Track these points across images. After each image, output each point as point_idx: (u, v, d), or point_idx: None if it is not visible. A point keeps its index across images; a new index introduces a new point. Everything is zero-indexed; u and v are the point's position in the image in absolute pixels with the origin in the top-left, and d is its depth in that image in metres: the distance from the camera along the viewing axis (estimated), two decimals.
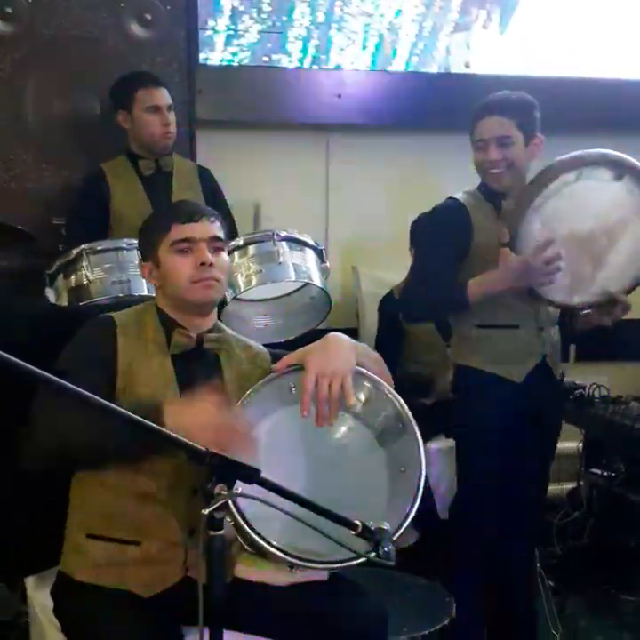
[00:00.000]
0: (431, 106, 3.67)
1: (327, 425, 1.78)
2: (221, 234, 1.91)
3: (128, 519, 1.79)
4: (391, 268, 3.49)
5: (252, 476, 1.37)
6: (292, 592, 1.85)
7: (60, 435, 1.65)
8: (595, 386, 3.48)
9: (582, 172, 2.35)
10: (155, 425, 1.33)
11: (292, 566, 1.76)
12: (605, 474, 3.38)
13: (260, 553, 1.76)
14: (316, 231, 3.71)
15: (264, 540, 1.70)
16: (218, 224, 1.91)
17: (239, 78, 3.60)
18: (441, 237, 2.55)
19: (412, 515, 1.73)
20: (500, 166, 2.47)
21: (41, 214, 3.19)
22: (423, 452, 1.78)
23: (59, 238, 3.08)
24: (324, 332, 2.90)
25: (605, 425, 3.36)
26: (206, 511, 1.31)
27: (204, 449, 1.32)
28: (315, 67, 3.69)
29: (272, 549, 1.70)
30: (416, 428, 1.78)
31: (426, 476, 3.03)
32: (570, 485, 3.62)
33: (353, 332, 3.76)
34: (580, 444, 3.55)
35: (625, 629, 2.97)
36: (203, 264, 1.83)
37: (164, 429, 1.36)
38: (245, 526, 1.70)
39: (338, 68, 3.71)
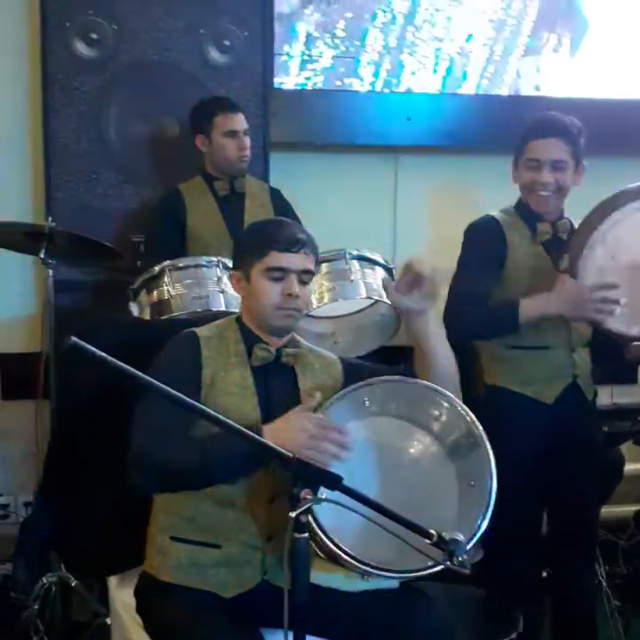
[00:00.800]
0: (500, 128, 3.70)
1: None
2: (313, 267, 2.00)
3: (210, 523, 1.89)
4: None
5: (335, 482, 1.44)
6: (362, 599, 1.92)
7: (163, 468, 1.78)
8: None
9: None
10: (255, 435, 1.43)
11: (363, 574, 1.83)
12: None
13: (333, 559, 1.83)
14: (384, 250, 3.79)
15: (338, 547, 1.77)
16: (312, 257, 1.99)
17: (312, 102, 3.70)
18: (478, 249, 2.58)
19: (483, 528, 1.78)
20: (550, 189, 2.50)
21: (121, 231, 3.32)
22: (494, 467, 1.83)
23: (136, 255, 3.21)
24: (393, 349, 3.00)
25: None
26: (293, 514, 1.39)
27: (291, 455, 1.40)
28: (386, 90, 3.77)
29: (345, 557, 1.77)
30: (487, 444, 1.84)
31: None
32: (637, 507, 3.61)
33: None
34: None
35: None
36: (290, 295, 1.92)
37: (261, 439, 1.45)
38: (320, 533, 1.77)
39: (408, 91, 3.79)
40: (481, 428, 1.86)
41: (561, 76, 3.87)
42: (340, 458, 1.72)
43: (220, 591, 1.88)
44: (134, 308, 2.62)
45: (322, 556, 1.86)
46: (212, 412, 1.48)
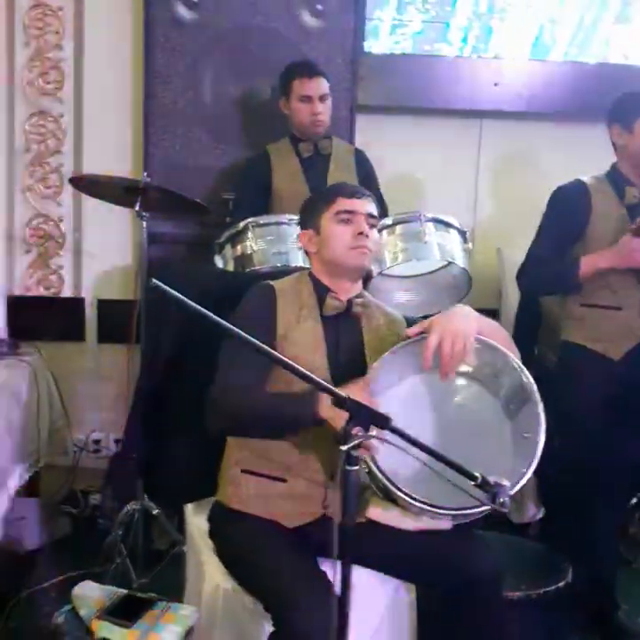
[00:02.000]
0: (588, 96, 3.73)
1: (448, 380, 1.97)
2: (376, 213, 2.17)
3: (278, 459, 2.05)
4: None
5: (384, 421, 1.59)
6: (417, 536, 2.04)
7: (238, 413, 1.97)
8: None
9: None
10: (309, 374, 1.59)
11: (417, 512, 1.97)
12: None
13: (391, 499, 1.98)
14: (464, 213, 3.87)
15: (395, 486, 1.91)
16: (374, 204, 2.17)
17: (399, 66, 3.78)
18: (559, 216, 2.72)
19: (528, 475, 1.89)
20: None
21: (213, 189, 3.49)
22: (544, 420, 1.93)
23: (227, 211, 3.37)
24: None
25: None
26: (344, 448, 1.54)
27: (344, 394, 1.55)
28: (474, 55, 3.82)
29: (401, 494, 1.91)
30: (538, 398, 1.95)
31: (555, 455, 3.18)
32: None
33: (494, 313, 3.90)
34: None
35: None
36: (360, 234, 2.09)
37: (315, 377, 1.61)
38: (378, 473, 1.91)
39: (497, 56, 3.82)
40: (534, 382, 1.96)
41: None
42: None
43: (284, 521, 2.05)
44: (219, 261, 2.80)
45: (380, 495, 2.01)
46: (285, 359, 1.62)
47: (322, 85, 3.22)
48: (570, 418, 2.74)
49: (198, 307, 1.52)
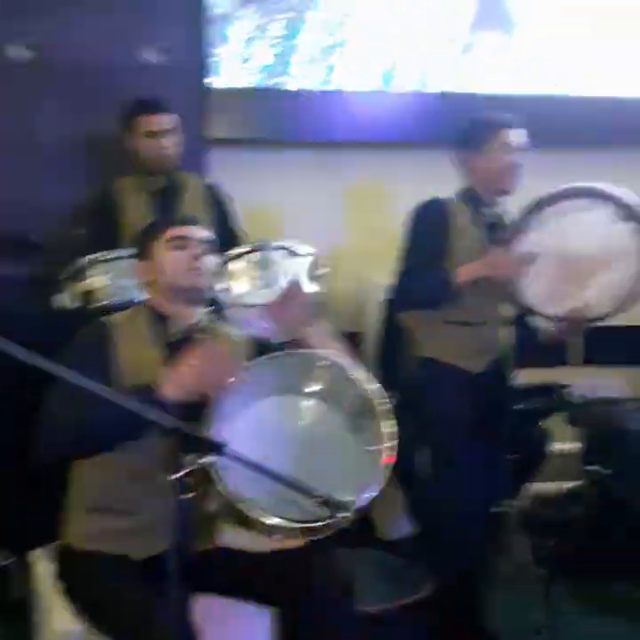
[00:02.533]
0: (438, 123, 3.84)
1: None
2: (210, 239, 2.20)
3: (121, 494, 2.01)
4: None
5: (218, 448, 1.56)
6: (269, 558, 2.05)
7: (70, 431, 1.90)
8: (593, 387, 3.62)
9: (593, 203, 2.62)
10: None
11: (270, 534, 1.95)
12: (601, 471, 3.50)
13: (243, 523, 1.94)
14: (325, 242, 3.91)
15: (247, 509, 1.88)
16: (207, 231, 2.21)
17: (249, 99, 3.83)
18: (422, 233, 2.77)
19: (377, 490, 1.89)
20: (519, 173, 2.75)
21: (58, 227, 3.38)
22: (389, 431, 1.96)
23: (77, 249, 3.29)
24: None
25: (601, 424, 3.51)
26: (174, 477, 1.51)
27: (174, 423, 1.52)
28: (322, 88, 3.89)
29: (252, 516, 1.88)
30: (386, 413, 1.97)
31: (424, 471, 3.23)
32: (571, 483, 3.75)
33: (358, 336, 3.95)
34: (580, 444, 3.69)
35: (609, 614, 3.10)
36: (196, 258, 2.11)
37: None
38: (231, 498, 1.88)
39: (343, 88, 3.91)
40: (377, 394, 1.98)
41: (494, 72, 4.02)
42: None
43: (132, 555, 2.01)
44: (62, 299, 2.73)
45: (231, 520, 1.97)
46: (113, 395, 1.56)
47: (167, 120, 3.20)
48: (434, 433, 2.81)
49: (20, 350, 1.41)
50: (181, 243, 2.13)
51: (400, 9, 3.90)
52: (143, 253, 2.19)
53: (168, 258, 2.13)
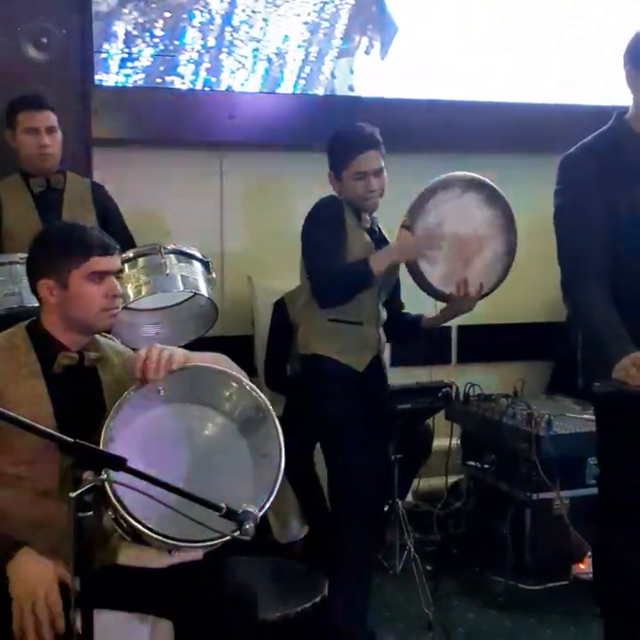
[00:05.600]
0: (318, 126, 3.88)
1: (153, 383, 1.95)
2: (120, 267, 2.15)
3: (25, 515, 1.93)
4: (283, 277, 3.68)
5: (117, 463, 1.55)
6: (168, 571, 2.03)
7: None
8: (469, 385, 3.78)
9: (470, 189, 2.78)
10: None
11: (170, 549, 1.95)
12: (480, 466, 3.65)
13: (140, 540, 1.93)
14: (212, 244, 3.93)
15: (144, 526, 1.87)
16: (120, 256, 2.12)
17: (133, 99, 3.78)
18: (327, 227, 2.78)
19: (273, 496, 1.92)
20: (377, 194, 2.81)
21: None
22: (282, 438, 1.98)
23: None
24: (214, 340, 3.12)
25: (479, 420, 3.66)
26: (73, 494, 1.49)
27: (71, 440, 1.50)
28: (207, 88, 3.88)
29: (151, 534, 1.87)
30: (274, 417, 1.99)
31: (315, 472, 3.28)
32: (454, 478, 3.90)
33: (248, 339, 3.97)
34: (459, 440, 3.85)
35: (494, 608, 3.21)
36: (115, 296, 2.02)
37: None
38: (128, 516, 1.86)
39: (229, 89, 3.91)
40: (268, 402, 2.01)
41: (372, 76, 4.10)
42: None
43: None
44: None
45: (128, 539, 1.95)
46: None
47: (49, 118, 3.13)
48: (324, 433, 2.86)
49: None
50: (101, 277, 2.01)
51: (286, 11, 3.93)
52: (52, 273, 2.00)
53: (85, 292, 1.99)
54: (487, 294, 2.86)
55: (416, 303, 3.06)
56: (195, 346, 2.97)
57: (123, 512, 1.85)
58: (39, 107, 3.12)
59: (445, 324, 3.02)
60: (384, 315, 2.91)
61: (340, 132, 2.88)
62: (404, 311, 3.07)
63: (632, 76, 2.34)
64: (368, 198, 2.80)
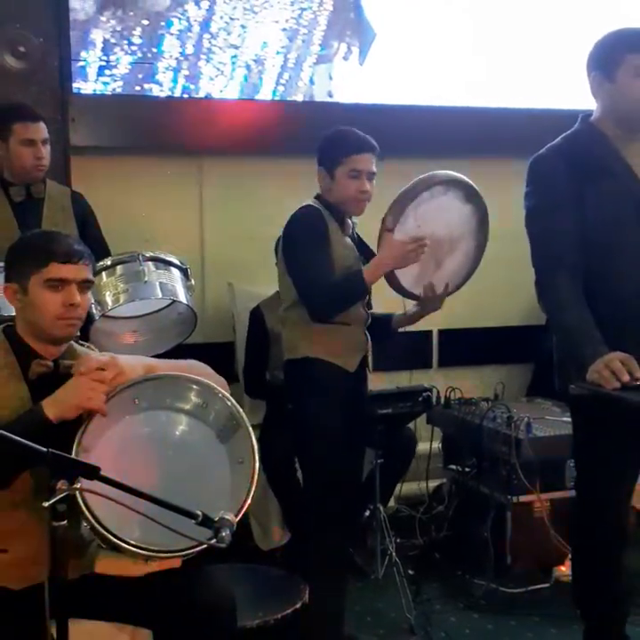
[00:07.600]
0: (298, 132, 3.90)
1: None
2: (91, 276, 2.06)
3: (2, 525, 1.93)
4: (263, 284, 3.69)
5: (91, 472, 1.55)
6: (147, 579, 2.02)
7: None
8: (450, 389, 3.79)
9: (449, 189, 2.77)
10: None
11: (147, 559, 1.95)
12: (461, 469, 3.66)
13: (116, 549, 1.93)
14: (192, 251, 3.93)
15: (118, 538, 1.87)
16: (90, 266, 2.05)
17: (112, 107, 3.78)
18: (313, 238, 2.75)
19: (249, 501, 1.92)
20: (367, 198, 2.80)
21: None
22: (256, 444, 1.98)
23: None
24: (195, 347, 3.13)
25: (459, 424, 3.67)
26: (46, 504, 1.49)
27: (44, 449, 1.50)
28: (185, 95, 3.88)
29: (125, 545, 1.87)
30: (248, 424, 1.99)
31: (297, 478, 3.28)
32: (436, 482, 3.91)
33: (230, 345, 3.97)
34: (440, 444, 3.86)
35: (476, 611, 3.22)
36: (71, 305, 1.98)
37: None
38: (99, 527, 1.85)
39: (208, 96, 3.92)
40: (241, 409, 2.01)
41: (351, 82, 4.11)
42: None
43: (9, 585, 1.95)
44: None
45: (105, 546, 1.96)
46: None
47: (43, 129, 3.15)
48: (314, 433, 2.80)
49: None
50: (59, 285, 1.98)
51: (265, 18, 3.94)
52: (15, 277, 2.01)
53: (42, 298, 1.97)
54: (451, 293, 2.88)
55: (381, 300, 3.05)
56: (176, 353, 2.99)
57: (93, 522, 1.85)
58: (34, 118, 3.13)
59: (426, 328, 3.04)
60: (368, 316, 2.91)
61: (339, 129, 2.87)
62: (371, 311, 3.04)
63: (599, 81, 2.36)
64: (359, 199, 2.78)
